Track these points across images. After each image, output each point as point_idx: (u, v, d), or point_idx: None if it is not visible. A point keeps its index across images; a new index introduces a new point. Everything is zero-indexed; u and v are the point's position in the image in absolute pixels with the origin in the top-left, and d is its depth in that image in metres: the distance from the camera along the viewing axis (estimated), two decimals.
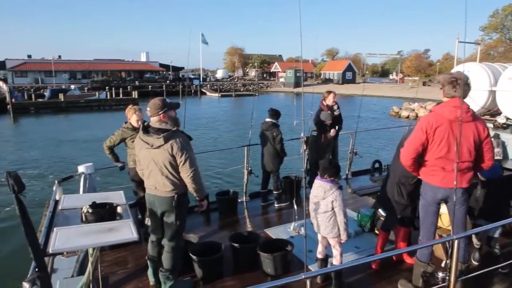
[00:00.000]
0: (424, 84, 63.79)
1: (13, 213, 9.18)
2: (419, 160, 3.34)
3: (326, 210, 3.64)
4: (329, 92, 6.45)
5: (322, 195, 3.63)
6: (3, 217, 9.81)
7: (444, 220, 4.32)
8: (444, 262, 3.62)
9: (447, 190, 3.23)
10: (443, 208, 3.56)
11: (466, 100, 3.24)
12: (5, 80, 51.80)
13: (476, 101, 5.92)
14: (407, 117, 31.17)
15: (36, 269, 2.38)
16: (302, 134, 5.76)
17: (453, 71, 6.09)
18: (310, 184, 3.90)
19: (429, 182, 3.34)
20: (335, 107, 6.46)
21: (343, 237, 3.69)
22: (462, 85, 3.06)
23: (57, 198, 4.11)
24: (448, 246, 3.03)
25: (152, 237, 3.76)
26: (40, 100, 39.35)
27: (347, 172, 7.74)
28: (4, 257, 7.67)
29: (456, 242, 2.85)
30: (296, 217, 5.13)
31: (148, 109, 3.48)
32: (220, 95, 57.75)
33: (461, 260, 3.20)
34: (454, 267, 2.88)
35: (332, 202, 3.59)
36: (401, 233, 4.22)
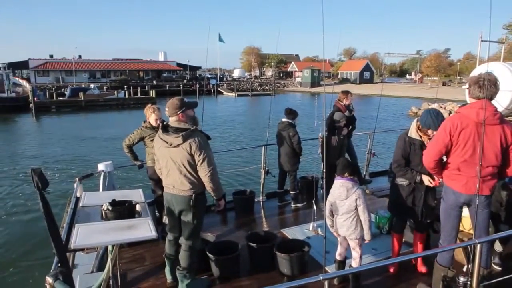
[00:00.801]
0: (444, 84, 62.58)
1: (36, 208, 9.43)
2: (442, 163, 3.27)
3: (349, 210, 3.58)
4: (346, 93, 6.38)
5: (345, 194, 3.57)
6: (28, 212, 10.05)
7: (466, 223, 4.21)
8: (465, 267, 3.54)
9: (469, 196, 3.15)
10: (465, 212, 3.48)
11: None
12: (28, 79, 53.24)
13: (499, 101, 5.76)
14: None
15: (59, 264, 2.44)
16: (320, 134, 5.73)
17: (475, 70, 5.95)
18: (327, 185, 3.85)
19: (450, 186, 3.26)
20: (351, 106, 6.40)
21: (368, 237, 3.61)
22: (487, 86, 2.97)
23: (78, 195, 4.20)
24: (470, 250, 2.96)
25: (170, 236, 3.79)
26: (61, 98, 40.27)
27: (365, 173, 7.64)
28: (28, 252, 7.87)
29: (478, 246, 2.78)
30: (315, 217, 5.10)
31: (166, 109, 3.50)
32: (236, 95, 57.88)
33: (483, 265, 3.12)
34: (476, 272, 2.81)
35: (356, 200, 3.53)
36: (416, 237, 4.13)
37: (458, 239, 3.85)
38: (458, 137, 3.08)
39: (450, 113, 29.81)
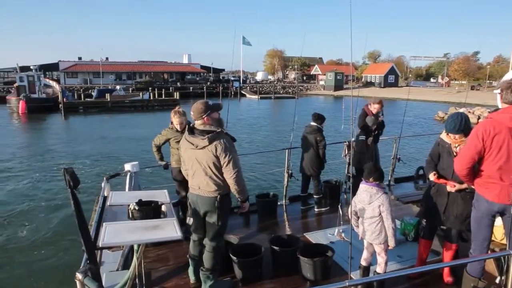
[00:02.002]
0: (472, 88, 60.79)
1: (66, 204, 9.70)
2: (475, 170, 3.15)
3: (373, 216, 3.53)
4: (377, 102, 6.18)
5: (368, 200, 3.53)
6: (58, 208, 10.35)
7: (497, 233, 4.06)
8: (498, 278, 3.41)
9: (503, 205, 3.03)
10: (497, 221, 3.35)
11: None
12: (58, 81, 55.04)
13: None
14: None
15: (88, 261, 2.49)
16: (352, 138, 5.70)
17: (508, 74, 5.74)
18: (353, 189, 3.80)
19: (483, 195, 3.14)
20: (380, 113, 6.28)
21: (391, 243, 3.56)
22: None
23: (106, 194, 4.28)
24: (503, 262, 2.85)
25: (194, 236, 3.82)
26: (88, 99, 41.40)
27: (389, 179, 7.50)
28: (57, 247, 8.11)
29: None
30: (341, 222, 5.03)
31: (191, 113, 3.53)
32: (259, 97, 57.99)
33: None
34: (510, 285, 2.70)
35: (379, 206, 3.48)
36: (444, 246, 3.97)
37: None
38: (491, 143, 2.97)
39: (479, 118, 28.91)
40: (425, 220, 4.09)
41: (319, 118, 5.97)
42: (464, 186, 3.51)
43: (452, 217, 3.67)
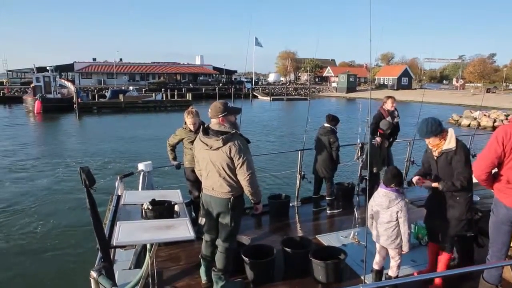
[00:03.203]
0: (488, 91, 59.73)
1: (80, 203, 9.81)
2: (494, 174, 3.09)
3: (390, 220, 3.49)
4: (388, 97, 6.22)
5: (387, 204, 3.48)
6: (72, 206, 10.49)
7: None
8: None
9: None
10: None
11: None
12: (72, 81, 55.86)
13: None
14: (468, 125, 29.32)
15: (102, 260, 2.51)
16: (358, 141, 5.63)
17: None
18: (369, 192, 3.74)
19: (502, 200, 3.07)
20: (396, 113, 6.20)
21: (405, 248, 3.53)
22: None
23: (119, 193, 4.32)
24: None
25: (207, 237, 3.82)
26: (102, 100, 41.92)
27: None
28: (72, 245, 8.22)
29: None
30: (357, 225, 4.97)
31: (209, 110, 3.54)
32: (271, 99, 57.94)
33: None
34: None
35: (398, 212, 3.44)
36: (439, 254, 3.83)
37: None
38: (511, 148, 2.91)
39: (494, 121, 28.40)
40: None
41: (333, 120, 5.94)
42: (434, 184, 3.55)
43: (444, 221, 3.61)
